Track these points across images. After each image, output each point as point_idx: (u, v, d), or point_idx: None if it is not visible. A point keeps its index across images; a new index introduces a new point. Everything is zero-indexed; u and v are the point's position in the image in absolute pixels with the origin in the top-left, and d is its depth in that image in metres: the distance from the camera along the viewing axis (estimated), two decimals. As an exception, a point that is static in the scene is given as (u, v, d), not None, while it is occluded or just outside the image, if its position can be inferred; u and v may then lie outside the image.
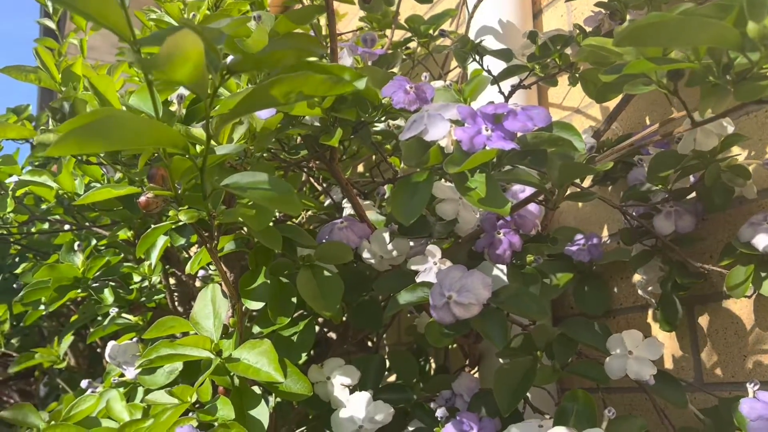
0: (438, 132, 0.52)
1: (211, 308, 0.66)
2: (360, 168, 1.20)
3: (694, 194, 0.77)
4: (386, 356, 0.82)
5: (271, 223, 0.64)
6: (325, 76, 0.43)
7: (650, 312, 0.85)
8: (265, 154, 0.75)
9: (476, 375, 0.97)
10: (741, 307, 0.74)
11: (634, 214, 0.80)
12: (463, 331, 0.60)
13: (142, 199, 0.54)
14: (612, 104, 0.89)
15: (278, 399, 0.73)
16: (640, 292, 0.82)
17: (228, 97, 0.53)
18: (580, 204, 0.96)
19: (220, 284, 0.69)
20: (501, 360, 0.80)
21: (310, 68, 0.41)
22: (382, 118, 0.63)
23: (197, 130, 0.58)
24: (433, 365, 1.07)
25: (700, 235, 0.78)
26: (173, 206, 0.55)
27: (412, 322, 1.04)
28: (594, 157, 0.61)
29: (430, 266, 0.66)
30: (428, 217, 0.76)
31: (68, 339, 1.05)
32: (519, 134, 0.53)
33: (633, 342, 0.65)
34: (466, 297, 0.57)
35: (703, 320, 0.78)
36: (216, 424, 0.61)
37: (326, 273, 0.65)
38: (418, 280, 0.66)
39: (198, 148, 0.51)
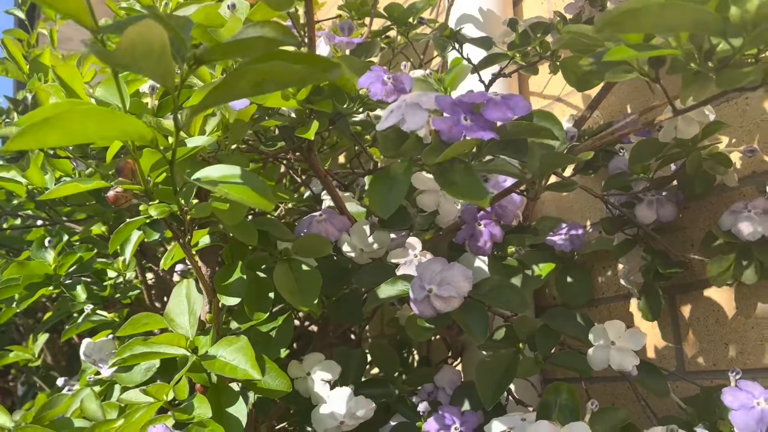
0: (416, 122, 0.51)
1: (186, 304, 0.64)
2: (341, 159, 1.18)
3: (675, 183, 0.77)
4: (368, 349, 0.81)
5: (249, 217, 0.63)
6: (297, 66, 0.41)
7: (633, 301, 0.85)
8: (242, 146, 0.74)
9: (459, 367, 0.97)
10: (722, 296, 0.74)
11: (615, 203, 0.79)
12: (444, 325, 0.59)
13: (111, 193, 0.52)
14: (594, 92, 0.89)
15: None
16: (622, 281, 0.81)
17: (199, 89, 0.52)
18: (562, 193, 0.95)
19: (196, 280, 0.67)
20: (483, 352, 0.79)
21: (280, 57, 0.39)
22: (360, 110, 0.61)
23: (169, 122, 0.56)
24: (416, 357, 1.06)
25: (682, 224, 0.77)
26: (144, 201, 0.53)
27: (394, 314, 1.03)
28: (575, 146, 0.60)
29: (411, 259, 0.65)
30: (409, 208, 0.75)
31: (43, 337, 1.02)
32: (499, 123, 0.52)
33: (616, 333, 0.65)
34: (446, 290, 0.56)
35: (685, 309, 0.78)
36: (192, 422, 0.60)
37: (304, 267, 0.64)
38: (399, 272, 0.65)
39: (169, 140, 0.50)
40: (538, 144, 0.58)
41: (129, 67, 0.37)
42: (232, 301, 0.62)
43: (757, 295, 0.70)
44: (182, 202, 0.52)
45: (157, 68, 0.38)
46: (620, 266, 0.85)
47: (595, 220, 0.92)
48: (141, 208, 0.53)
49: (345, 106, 0.61)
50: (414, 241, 0.66)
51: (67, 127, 0.40)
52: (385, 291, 0.61)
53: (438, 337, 1.02)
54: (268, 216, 0.69)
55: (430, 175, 0.74)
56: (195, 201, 0.54)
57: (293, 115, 0.64)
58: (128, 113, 0.47)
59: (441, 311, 0.57)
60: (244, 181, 0.47)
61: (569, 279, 0.90)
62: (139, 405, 0.64)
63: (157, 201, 0.52)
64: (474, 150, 0.54)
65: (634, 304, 0.85)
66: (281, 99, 0.57)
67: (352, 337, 1.03)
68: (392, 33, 1.08)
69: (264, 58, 0.40)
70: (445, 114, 0.51)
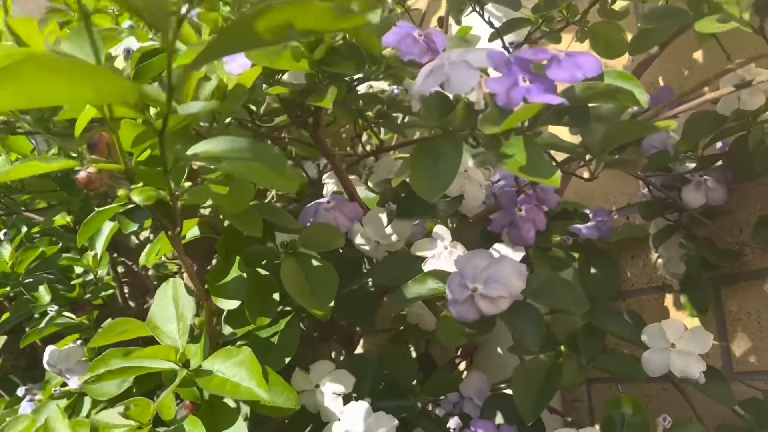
0: (465, 83, 0.41)
1: (174, 309, 0.54)
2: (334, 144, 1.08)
3: (720, 162, 0.69)
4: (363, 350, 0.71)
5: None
6: (329, 4, 0.31)
7: (667, 294, 0.77)
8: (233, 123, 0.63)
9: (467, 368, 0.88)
10: (778, 288, 0.67)
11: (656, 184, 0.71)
12: (487, 330, 0.50)
13: (82, 174, 0.41)
14: (617, 63, 0.80)
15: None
16: (660, 272, 0.73)
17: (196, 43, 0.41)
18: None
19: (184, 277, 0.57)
20: (500, 351, 0.71)
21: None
22: (384, 74, 0.51)
23: (152, 89, 0.45)
24: (413, 353, 0.97)
25: (729, 208, 0.69)
26: (123, 184, 0.42)
27: (391, 310, 0.93)
28: (636, 116, 0.51)
29: (440, 251, 0.56)
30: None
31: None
32: (564, 86, 0.43)
33: (675, 333, 0.56)
34: (495, 289, 0.47)
35: (732, 303, 0.70)
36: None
37: (315, 262, 0.54)
38: (426, 267, 0.55)
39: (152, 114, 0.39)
40: (595, 113, 0.49)
41: None
42: (231, 304, 0.52)
43: (822, 288, 0.63)
44: (173, 185, 0.42)
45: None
46: (654, 255, 0.77)
47: (621, 205, 0.83)
48: (120, 192, 0.42)
49: (365, 68, 0.50)
50: (442, 230, 0.57)
51: (23, 84, 0.29)
52: (414, 289, 0.52)
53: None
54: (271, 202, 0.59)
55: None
56: (187, 184, 0.44)
57: (297, 81, 0.53)
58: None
59: (487, 314, 0.47)
60: (255, 156, 0.37)
61: (593, 270, 0.82)
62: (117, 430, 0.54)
63: (140, 184, 0.41)
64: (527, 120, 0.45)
65: (669, 298, 0.77)
66: (292, 60, 0.47)
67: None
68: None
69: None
70: (499, 74, 0.42)
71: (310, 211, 0.61)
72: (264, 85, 0.55)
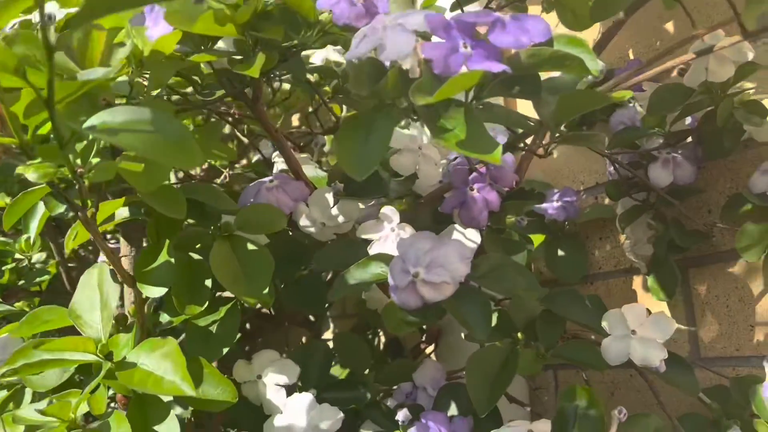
0: (399, 48, 0.37)
1: (98, 297, 0.50)
2: (295, 122, 1.04)
3: (690, 139, 0.66)
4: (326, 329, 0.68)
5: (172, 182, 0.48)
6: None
7: (636, 277, 0.74)
8: (174, 98, 0.59)
9: (433, 353, 0.85)
10: (747, 271, 0.64)
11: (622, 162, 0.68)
12: (433, 319, 0.46)
13: (-30, 149, 0.37)
14: (587, 36, 0.76)
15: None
16: (627, 254, 0.70)
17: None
18: (554, 153, 0.83)
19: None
20: (464, 336, 0.67)
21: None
22: (319, 41, 0.47)
23: (40, 54, 0.40)
24: (383, 339, 0.94)
25: (698, 187, 0.66)
26: (20, 160, 0.38)
27: (360, 296, 0.90)
28: (594, 86, 0.47)
29: (387, 233, 0.52)
30: (381, 172, 0.61)
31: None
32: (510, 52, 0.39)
33: (636, 319, 0.53)
34: (437, 274, 0.43)
35: (701, 286, 0.67)
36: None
37: (250, 246, 0.50)
38: (372, 251, 0.51)
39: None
40: (547, 84, 0.45)
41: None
42: (157, 291, 0.48)
43: (793, 270, 0.60)
44: (76, 161, 0.38)
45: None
46: (622, 237, 0.74)
47: (589, 185, 0.80)
48: (18, 170, 0.38)
49: (300, 35, 0.46)
50: (390, 211, 0.53)
51: None
52: (356, 275, 0.48)
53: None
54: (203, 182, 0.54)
55: (407, 131, 0.61)
56: (95, 160, 0.40)
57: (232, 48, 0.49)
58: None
59: (430, 301, 0.44)
60: (157, 128, 0.33)
61: (561, 252, 0.79)
62: (42, 427, 0.50)
63: (38, 160, 0.37)
64: (472, 90, 0.41)
65: (637, 281, 0.74)
66: (214, 23, 0.43)
67: (311, 318, 0.89)
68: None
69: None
70: (438, 38, 0.38)
71: (251, 191, 0.57)
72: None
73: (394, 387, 0.61)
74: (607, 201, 0.76)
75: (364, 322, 0.84)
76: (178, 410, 0.57)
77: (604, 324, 0.54)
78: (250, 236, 0.52)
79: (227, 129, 0.91)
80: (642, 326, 0.53)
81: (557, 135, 0.47)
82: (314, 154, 0.70)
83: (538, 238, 0.77)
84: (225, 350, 0.54)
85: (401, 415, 0.53)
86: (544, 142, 0.54)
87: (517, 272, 0.48)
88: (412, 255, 0.44)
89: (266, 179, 0.58)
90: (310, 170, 0.63)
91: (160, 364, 0.46)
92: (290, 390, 0.57)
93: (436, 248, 0.44)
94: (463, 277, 0.44)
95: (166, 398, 0.52)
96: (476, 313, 0.44)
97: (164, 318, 0.57)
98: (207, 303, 0.50)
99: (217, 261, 0.48)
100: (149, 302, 0.53)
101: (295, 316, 0.81)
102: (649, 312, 0.54)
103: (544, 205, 0.76)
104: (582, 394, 0.46)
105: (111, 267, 0.51)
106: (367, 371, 0.63)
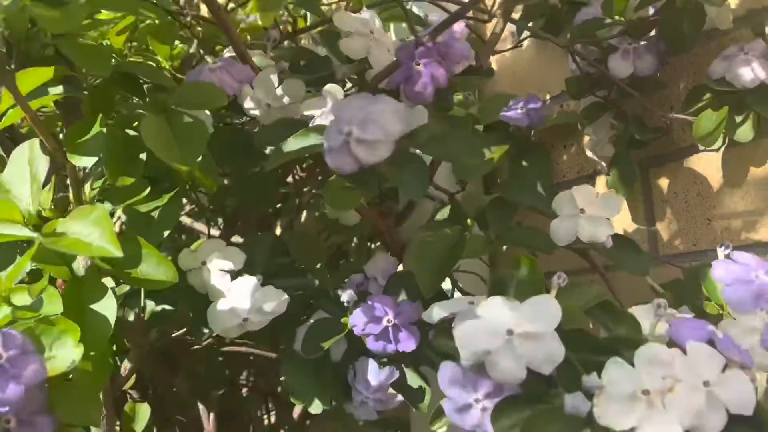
0: None
1: (29, 170, 0.48)
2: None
3: (653, 33, 0.64)
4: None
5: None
6: None
7: (598, 180, 0.72)
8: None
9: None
10: (706, 164, 0.62)
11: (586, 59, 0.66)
12: (371, 186, 0.44)
13: None
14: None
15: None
16: (589, 153, 0.69)
17: None
18: (517, 66, 0.81)
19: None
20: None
21: None
22: None
23: None
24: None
25: (660, 80, 0.64)
26: None
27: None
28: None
29: (329, 109, 0.50)
30: (331, 57, 0.59)
31: None
32: None
33: (585, 199, 0.52)
34: (371, 131, 0.41)
35: (661, 184, 0.66)
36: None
37: (186, 119, 0.48)
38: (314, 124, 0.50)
39: None
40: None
41: None
42: (87, 161, 0.46)
43: (751, 158, 0.59)
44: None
45: None
46: (586, 139, 0.72)
47: (556, 93, 0.78)
48: None
49: None
50: (334, 88, 0.51)
51: None
52: (293, 144, 0.46)
53: (378, 244, 0.88)
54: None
55: (358, 15, 0.59)
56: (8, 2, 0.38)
57: None
58: None
59: (365, 162, 0.42)
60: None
61: (525, 163, 0.77)
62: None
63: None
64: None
65: (600, 184, 0.72)
66: None
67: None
68: None
69: None
70: None
71: (194, 73, 0.55)
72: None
73: (345, 280, 0.60)
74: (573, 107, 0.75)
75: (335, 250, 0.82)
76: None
77: (553, 205, 0.53)
78: (188, 111, 0.50)
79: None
80: (591, 205, 0.52)
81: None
82: (266, 50, 0.67)
83: (501, 149, 0.75)
84: (165, 233, 0.53)
85: (346, 296, 0.52)
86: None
87: (461, 142, 0.46)
88: (345, 114, 0.42)
89: (210, 62, 0.56)
90: (260, 59, 0.61)
91: (90, 231, 0.44)
92: (236, 277, 0.55)
93: (370, 105, 0.42)
94: (398, 134, 0.42)
95: (109, 283, 0.51)
96: (411, 173, 0.42)
97: (107, 206, 0.56)
98: (141, 177, 0.49)
99: (149, 130, 0.46)
100: (85, 178, 0.51)
101: (253, 226, 0.79)
102: (598, 194, 0.53)
103: (509, 113, 0.75)
104: (524, 262, 0.45)
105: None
106: (319, 265, 0.62)
